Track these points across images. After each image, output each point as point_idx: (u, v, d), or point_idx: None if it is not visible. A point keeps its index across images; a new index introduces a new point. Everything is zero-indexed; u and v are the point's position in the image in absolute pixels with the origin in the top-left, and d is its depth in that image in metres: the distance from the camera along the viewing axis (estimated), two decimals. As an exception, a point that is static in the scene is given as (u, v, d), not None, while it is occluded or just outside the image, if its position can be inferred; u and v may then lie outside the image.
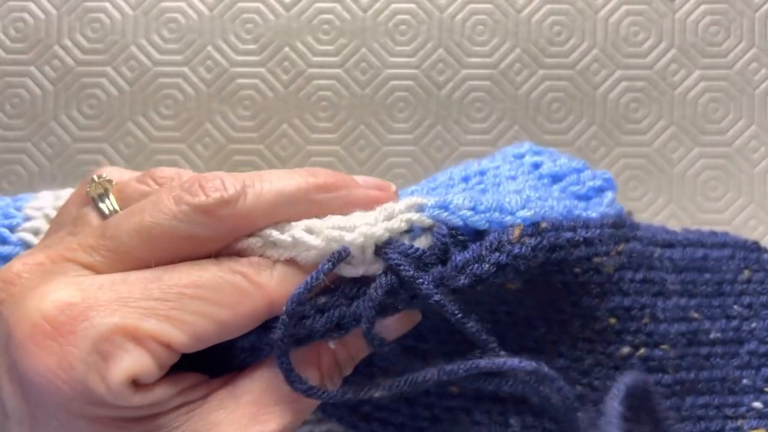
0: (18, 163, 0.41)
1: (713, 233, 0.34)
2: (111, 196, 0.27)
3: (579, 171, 0.32)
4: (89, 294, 0.22)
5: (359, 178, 0.28)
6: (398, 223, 0.26)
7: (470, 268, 0.27)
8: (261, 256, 0.26)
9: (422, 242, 0.27)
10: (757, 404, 0.32)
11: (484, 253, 0.27)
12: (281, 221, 0.26)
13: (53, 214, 0.31)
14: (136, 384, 0.23)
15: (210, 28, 0.42)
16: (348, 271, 0.26)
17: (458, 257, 0.27)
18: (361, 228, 0.26)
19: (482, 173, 0.33)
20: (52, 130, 0.41)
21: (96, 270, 0.24)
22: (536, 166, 0.33)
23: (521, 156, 0.33)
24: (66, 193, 0.32)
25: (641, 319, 0.32)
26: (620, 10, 0.41)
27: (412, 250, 0.26)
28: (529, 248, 0.27)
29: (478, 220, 0.28)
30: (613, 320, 0.32)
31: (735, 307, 0.33)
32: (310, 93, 0.42)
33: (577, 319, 0.32)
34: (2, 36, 0.42)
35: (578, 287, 0.31)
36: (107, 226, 0.25)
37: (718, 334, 0.32)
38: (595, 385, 0.32)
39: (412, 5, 0.42)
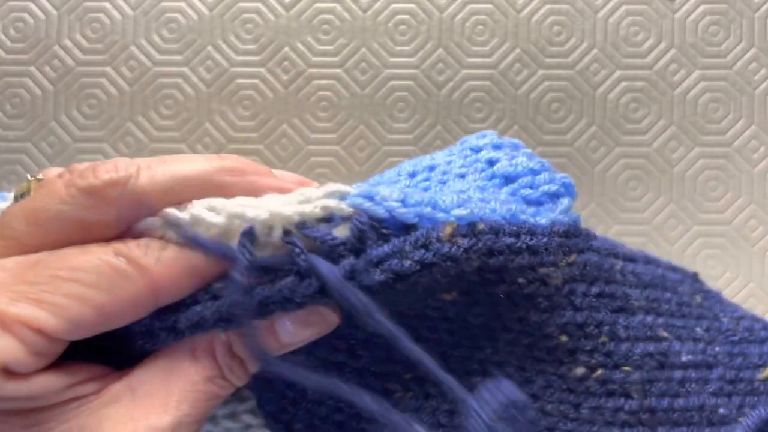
0: (18, 163, 0.41)
1: (658, 259, 0.32)
2: (31, 193, 0.26)
3: (535, 173, 0.29)
4: None
5: (278, 172, 0.26)
6: (312, 208, 0.24)
7: (388, 263, 0.24)
8: (161, 237, 0.24)
9: (343, 229, 0.24)
10: None
11: (407, 248, 0.24)
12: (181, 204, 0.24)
13: None
14: (9, 373, 0.22)
15: (210, 28, 0.42)
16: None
17: (375, 251, 0.24)
18: (269, 205, 0.23)
19: (431, 168, 0.30)
20: (52, 130, 0.41)
21: None
22: (491, 163, 0.30)
23: (479, 150, 0.30)
24: None
25: (598, 337, 0.29)
26: (620, 10, 0.41)
27: (326, 236, 0.24)
28: (461, 249, 0.24)
29: (406, 214, 0.24)
30: (564, 338, 0.28)
31: (697, 329, 0.31)
32: (309, 93, 0.42)
33: (524, 336, 0.29)
34: (2, 36, 0.42)
35: (524, 300, 0.28)
36: (4, 214, 0.24)
37: (690, 357, 0.30)
38: (547, 410, 0.29)
39: (412, 5, 0.42)
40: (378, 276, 0.23)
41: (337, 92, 0.41)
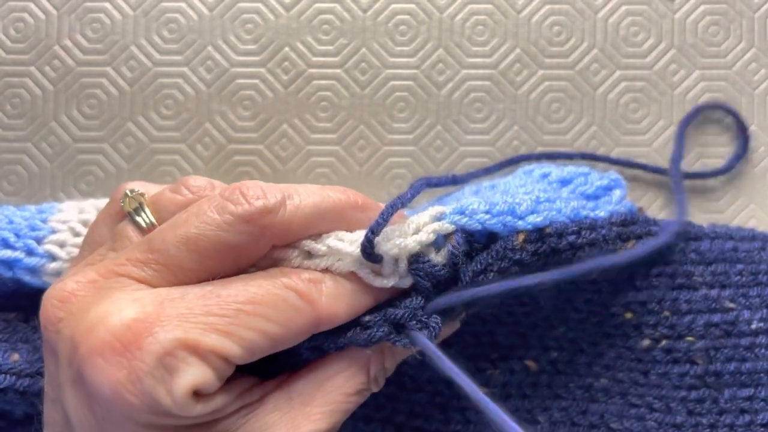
0: (18, 163, 0.41)
1: (740, 228, 0.34)
2: (146, 209, 0.27)
3: (586, 174, 0.33)
4: (152, 310, 0.23)
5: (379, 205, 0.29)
6: (426, 235, 0.28)
7: (477, 278, 0.28)
8: (298, 267, 0.27)
9: (442, 255, 0.28)
10: None
11: (490, 261, 0.29)
12: (315, 234, 0.27)
13: (78, 227, 0.32)
14: (198, 394, 0.24)
15: (210, 29, 0.42)
16: (379, 282, 0.27)
17: (467, 271, 0.28)
18: (395, 240, 0.27)
19: (492, 187, 0.34)
20: (52, 130, 0.41)
21: (149, 284, 0.25)
22: (545, 175, 0.34)
23: (530, 172, 0.34)
24: (88, 205, 0.33)
25: (660, 312, 0.32)
26: (620, 10, 0.42)
27: (437, 269, 0.28)
28: (528, 254, 0.29)
29: (495, 223, 0.29)
30: (629, 315, 0.32)
31: None
32: (310, 93, 0.42)
33: (593, 315, 0.33)
34: (2, 36, 0.42)
35: (588, 284, 0.32)
36: (153, 239, 0.25)
37: (761, 324, 0.32)
38: (618, 378, 0.33)
39: (412, 5, 0.42)
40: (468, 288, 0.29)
41: (337, 92, 0.42)
